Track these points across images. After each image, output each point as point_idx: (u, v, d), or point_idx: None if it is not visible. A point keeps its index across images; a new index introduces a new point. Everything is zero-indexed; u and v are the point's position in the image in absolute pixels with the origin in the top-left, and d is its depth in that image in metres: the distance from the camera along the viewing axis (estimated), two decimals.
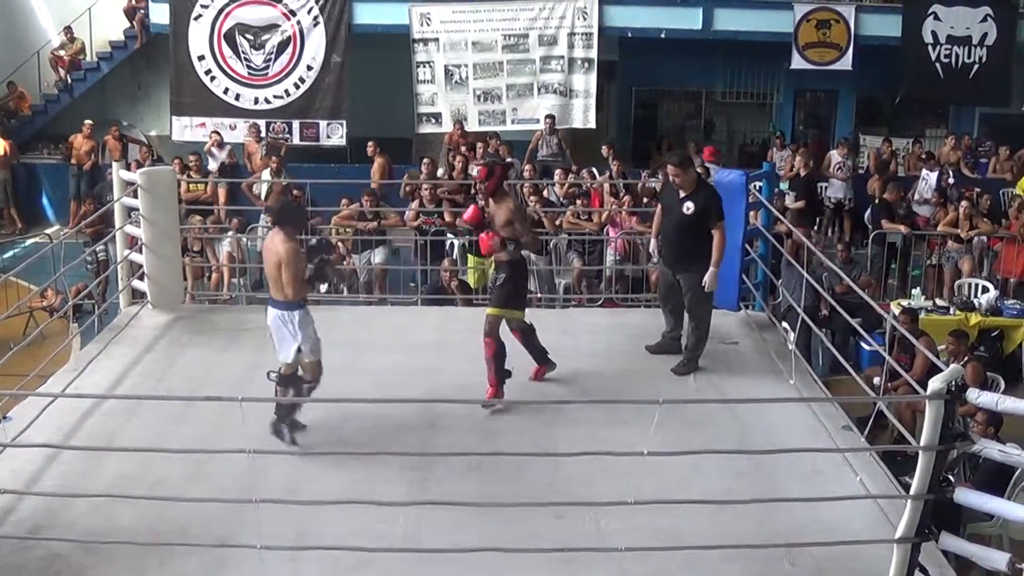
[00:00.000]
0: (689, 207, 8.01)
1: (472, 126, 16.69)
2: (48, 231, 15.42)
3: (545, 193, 13.88)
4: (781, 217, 10.10)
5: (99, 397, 7.45)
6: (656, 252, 8.82)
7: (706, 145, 16.36)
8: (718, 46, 17.40)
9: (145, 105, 19.02)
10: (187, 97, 17.02)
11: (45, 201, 17.44)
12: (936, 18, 16.79)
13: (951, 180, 15.10)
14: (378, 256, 12.33)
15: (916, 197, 14.79)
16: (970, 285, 12.61)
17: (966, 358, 9.50)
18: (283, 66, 16.88)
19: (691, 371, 8.35)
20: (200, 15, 16.77)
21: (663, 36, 16.87)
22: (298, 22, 16.76)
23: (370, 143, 15.29)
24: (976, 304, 11.74)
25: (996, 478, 7.33)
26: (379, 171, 14.59)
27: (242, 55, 16.85)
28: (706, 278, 8.02)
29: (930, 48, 16.88)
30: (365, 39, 16.79)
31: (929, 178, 14.98)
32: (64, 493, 5.97)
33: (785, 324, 8.95)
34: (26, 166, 17.46)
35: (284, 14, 16.76)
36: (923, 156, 15.75)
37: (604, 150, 15.23)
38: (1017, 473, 7.39)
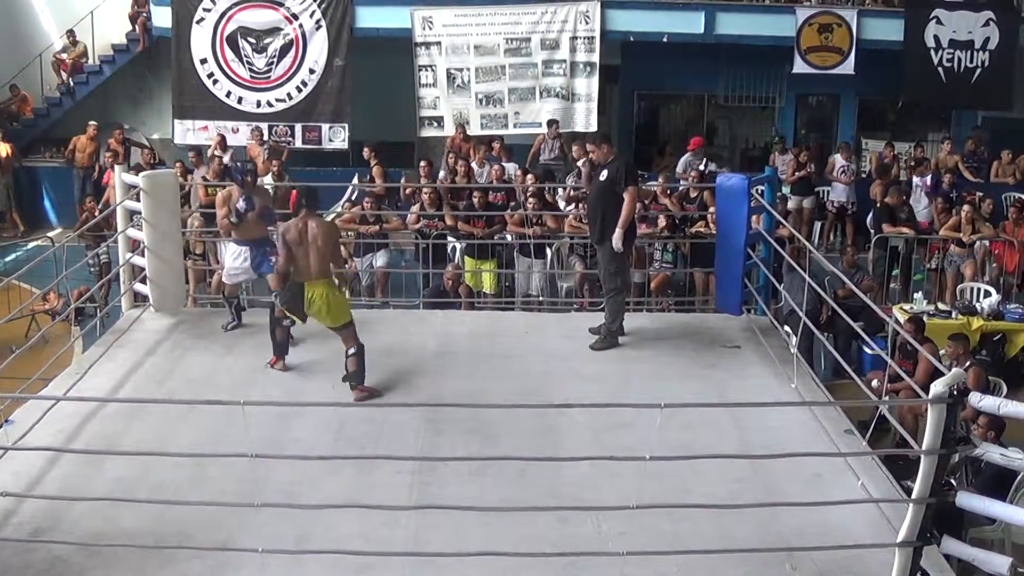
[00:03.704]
0: (603, 175, 8.56)
1: (474, 130, 16.68)
2: (50, 234, 15.40)
3: (548, 196, 13.86)
4: (783, 221, 10.10)
5: (101, 400, 7.47)
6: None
7: (695, 137, 16.36)
8: (720, 50, 17.40)
9: (147, 108, 19.04)
10: (189, 100, 17.05)
11: (47, 204, 17.45)
12: (938, 22, 16.78)
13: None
14: (380, 259, 12.33)
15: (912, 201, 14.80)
16: (972, 289, 12.59)
17: (968, 363, 9.48)
18: (285, 69, 16.89)
19: (609, 347, 8.63)
20: (202, 18, 16.79)
21: (665, 40, 16.84)
22: (300, 25, 16.78)
23: (366, 148, 15.18)
24: (978, 308, 11.71)
25: (998, 482, 7.31)
26: (380, 177, 14.44)
27: (244, 58, 16.86)
28: (614, 238, 8.41)
29: (932, 52, 16.86)
30: (367, 43, 16.80)
31: (923, 184, 15.05)
32: (66, 496, 5.97)
33: (787, 328, 8.95)
34: (28, 169, 17.47)
35: (286, 17, 16.77)
36: (913, 162, 15.75)
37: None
38: (1019, 477, 7.37)
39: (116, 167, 10.01)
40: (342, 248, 12.41)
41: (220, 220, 8.89)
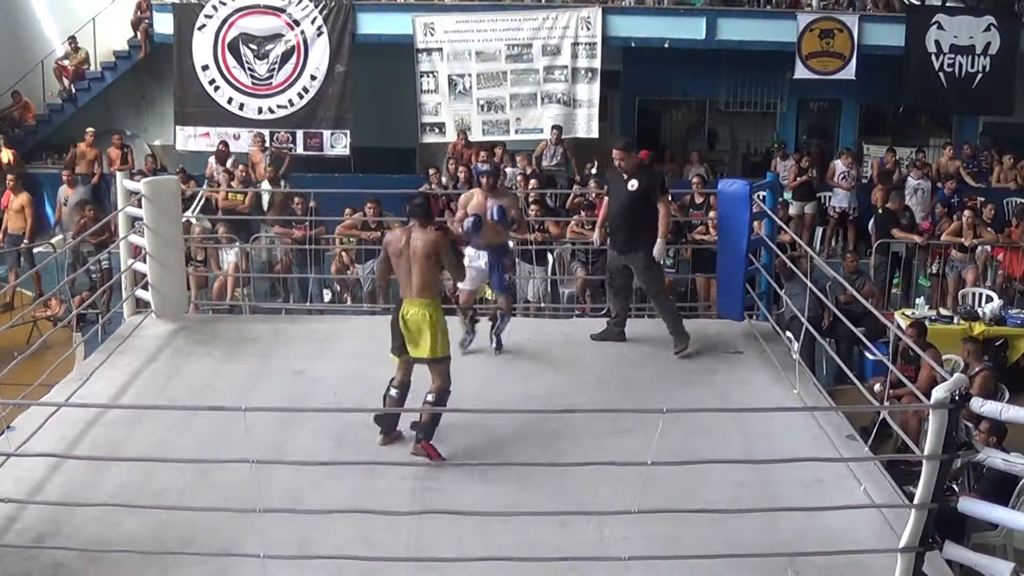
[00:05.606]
0: (633, 184, 8.54)
1: (476, 136, 16.71)
2: (52, 240, 15.39)
3: (550, 202, 13.90)
4: (785, 227, 10.11)
5: (103, 407, 7.44)
6: (598, 241, 9.33)
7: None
8: (721, 56, 17.44)
9: (149, 115, 19.06)
10: (191, 107, 17.07)
11: (49, 211, 17.42)
12: (939, 27, 16.82)
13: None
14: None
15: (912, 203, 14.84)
16: (974, 295, 12.59)
17: (978, 367, 9.53)
18: (287, 76, 16.92)
19: (687, 346, 8.71)
20: (204, 25, 16.82)
21: (666, 46, 16.88)
22: (302, 32, 16.80)
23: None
24: (980, 314, 11.71)
25: (1000, 488, 7.30)
26: None
27: (246, 65, 16.89)
28: (656, 248, 8.52)
29: (933, 57, 16.90)
30: (369, 49, 16.83)
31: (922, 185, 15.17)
32: (68, 502, 5.98)
33: (789, 333, 8.95)
34: (30, 176, 17.45)
35: (288, 24, 16.80)
36: (889, 166, 15.94)
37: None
38: (1021, 482, 7.36)
39: (118, 173, 10.01)
40: (343, 255, 12.54)
41: (456, 223, 8.21)
